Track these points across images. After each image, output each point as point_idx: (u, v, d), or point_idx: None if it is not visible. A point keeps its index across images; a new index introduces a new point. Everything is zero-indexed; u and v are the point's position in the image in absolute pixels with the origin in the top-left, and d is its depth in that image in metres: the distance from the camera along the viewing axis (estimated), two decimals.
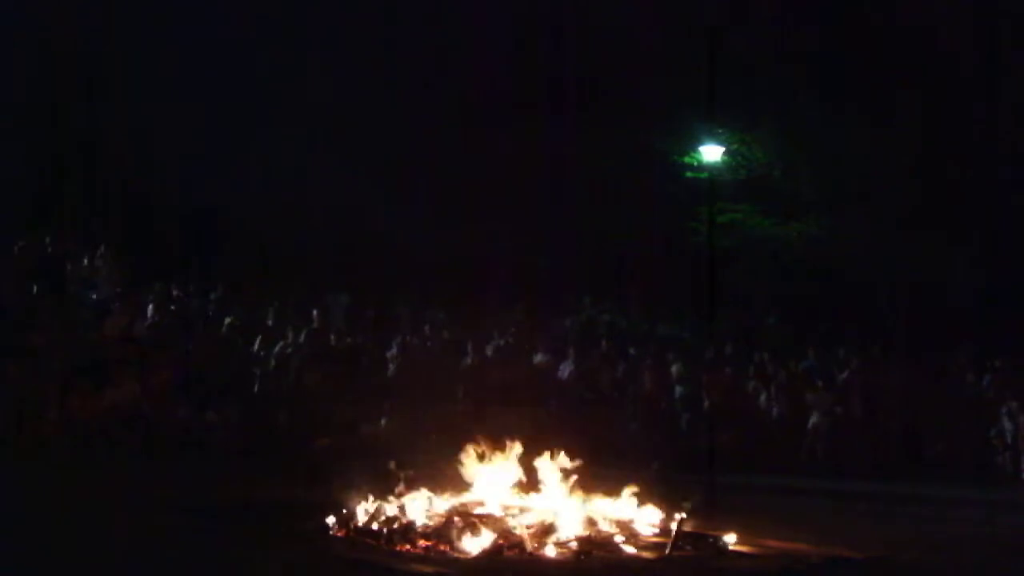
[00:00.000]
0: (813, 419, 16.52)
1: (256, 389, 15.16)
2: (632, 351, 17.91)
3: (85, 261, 16.82)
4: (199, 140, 21.03)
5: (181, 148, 21.10)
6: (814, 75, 22.07)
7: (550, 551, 8.49)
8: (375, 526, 8.86)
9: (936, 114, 21.49)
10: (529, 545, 8.44)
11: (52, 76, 21.11)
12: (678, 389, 16.84)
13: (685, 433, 16.19)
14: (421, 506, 9.11)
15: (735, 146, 21.91)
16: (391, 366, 16.24)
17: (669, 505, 9.17)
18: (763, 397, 16.95)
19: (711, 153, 20.15)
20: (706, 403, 16.51)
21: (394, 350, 16.57)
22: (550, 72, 22.50)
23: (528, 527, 8.69)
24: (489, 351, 17.03)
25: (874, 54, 21.75)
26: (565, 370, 17.01)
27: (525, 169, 21.53)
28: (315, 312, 17.17)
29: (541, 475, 9.45)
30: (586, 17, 22.18)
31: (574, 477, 9.38)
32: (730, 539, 8.98)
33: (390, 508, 9.08)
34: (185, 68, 21.62)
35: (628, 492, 9.40)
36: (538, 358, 17.22)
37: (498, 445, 9.62)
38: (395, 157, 22.12)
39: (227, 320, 16.27)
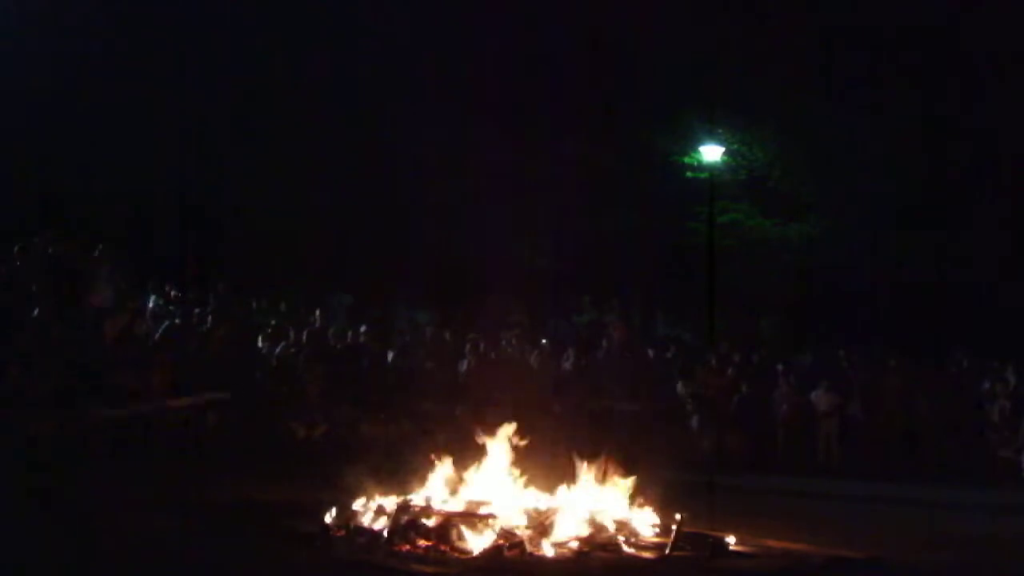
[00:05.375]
0: (813, 419, 16.54)
1: (257, 389, 15.13)
2: (632, 351, 17.91)
3: (85, 261, 16.80)
4: (198, 140, 21.06)
5: (180, 148, 21.12)
6: (814, 74, 22.08)
7: (550, 551, 8.48)
8: (375, 526, 8.86)
9: (936, 113, 21.50)
10: (529, 545, 8.43)
11: (50, 76, 21.11)
12: (678, 389, 16.85)
13: (685, 433, 16.20)
14: (421, 505, 9.10)
15: (735, 146, 21.94)
16: (392, 367, 16.24)
17: (669, 505, 9.16)
18: (762, 397, 16.95)
19: (711, 153, 20.20)
20: (705, 403, 16.55)
21: (395, 350, 16.58)
22: (550, 72, 22.50)
23: (528, 527, 8.68)
24: (490, 351, 17.02)
25: (874, 53, 21.76)
26: (565, 370, 17.01)
27: (525, 170, 21.54)
28: (317, 312, 17.17)
29: (541, 475, 9.45)
30: (586, 17, 22.18)
31: (574, 477, 9.39)
32: (730, 539, 8.98)
33: (390, 508, 9.07)
34: (183, 67, 21.65)
35: (628, 492, 9.40)
36: (539, 359, 17.22)
37: (498, 445, 9.61)
38: (395, 157, 22.13)
39: (228, 320, 16.24)
